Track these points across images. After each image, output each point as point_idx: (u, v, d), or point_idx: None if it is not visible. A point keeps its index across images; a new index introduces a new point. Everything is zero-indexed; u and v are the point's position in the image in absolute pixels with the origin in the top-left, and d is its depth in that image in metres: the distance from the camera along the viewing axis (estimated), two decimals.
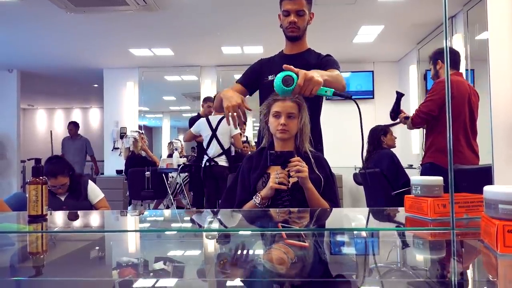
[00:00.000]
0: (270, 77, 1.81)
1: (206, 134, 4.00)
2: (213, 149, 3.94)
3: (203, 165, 3.97)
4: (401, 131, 3.64)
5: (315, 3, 3.81)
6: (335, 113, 5.76)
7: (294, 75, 1.22)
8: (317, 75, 1.25)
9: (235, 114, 1.47)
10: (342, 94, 1.33)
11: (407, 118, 2.87)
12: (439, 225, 1.02)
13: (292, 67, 1.24)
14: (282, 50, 1.94)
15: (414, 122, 2.81)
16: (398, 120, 3.00)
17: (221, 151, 3.94)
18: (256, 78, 1.87)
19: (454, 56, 2.82)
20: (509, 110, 1.12)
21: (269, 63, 1.89)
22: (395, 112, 2.96)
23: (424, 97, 2.89)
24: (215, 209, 2.89)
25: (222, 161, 3.94)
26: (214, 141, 3.94)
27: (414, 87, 5.22)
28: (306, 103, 1.65)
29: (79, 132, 6.22)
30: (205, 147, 4.00)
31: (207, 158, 3.95)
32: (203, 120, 4.08)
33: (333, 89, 1.29)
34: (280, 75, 1.23)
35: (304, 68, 1.64)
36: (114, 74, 6.38)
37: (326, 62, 1.80)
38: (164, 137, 6.82)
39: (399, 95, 2.93)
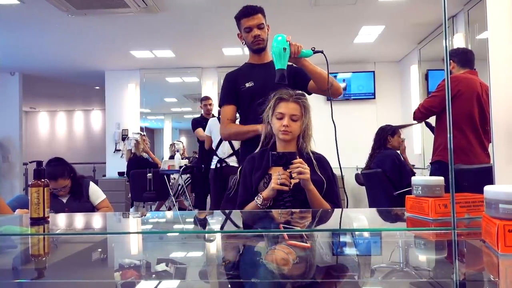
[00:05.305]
0: (248, 84, 1.96)
1: (216, 134, 3.87)
2: (224, 150, 3.85)
3: (213, 167, 3.87)
4: (404, 131, 3.65)
5: (316, 4, 3.84)
6: (337, 113, 5.76)
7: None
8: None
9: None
10: (318, 51, 1.67)
11: None
12: (440, 225, 1.02)
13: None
14: (247, 62, 2.07)
15: (415, 117, 2.84)
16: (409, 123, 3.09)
17: (232, 151, 3.84)
18: (235, 91, 1.99)
19: (466, 55, 2.81)
20: (509, 109, 1.12)
21: (240, 73, 2.02)
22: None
23: (426, 97, 2.91)
24: (217, 210, 2.89)
25: (233, 162, 3.82)
26: (225, 142, 3.84)
27: (415, 87, 5.21)
28: None
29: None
30: (214, 148, 3.90)
31: (218, 159, 3.84)
32: (214, 120, 4.02)
33: (312, 51, 1.68)
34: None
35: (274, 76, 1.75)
36: (115, 76, 6.40)
37: (299, 70, 1.91)
38: (165, 138, 6.83)
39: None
